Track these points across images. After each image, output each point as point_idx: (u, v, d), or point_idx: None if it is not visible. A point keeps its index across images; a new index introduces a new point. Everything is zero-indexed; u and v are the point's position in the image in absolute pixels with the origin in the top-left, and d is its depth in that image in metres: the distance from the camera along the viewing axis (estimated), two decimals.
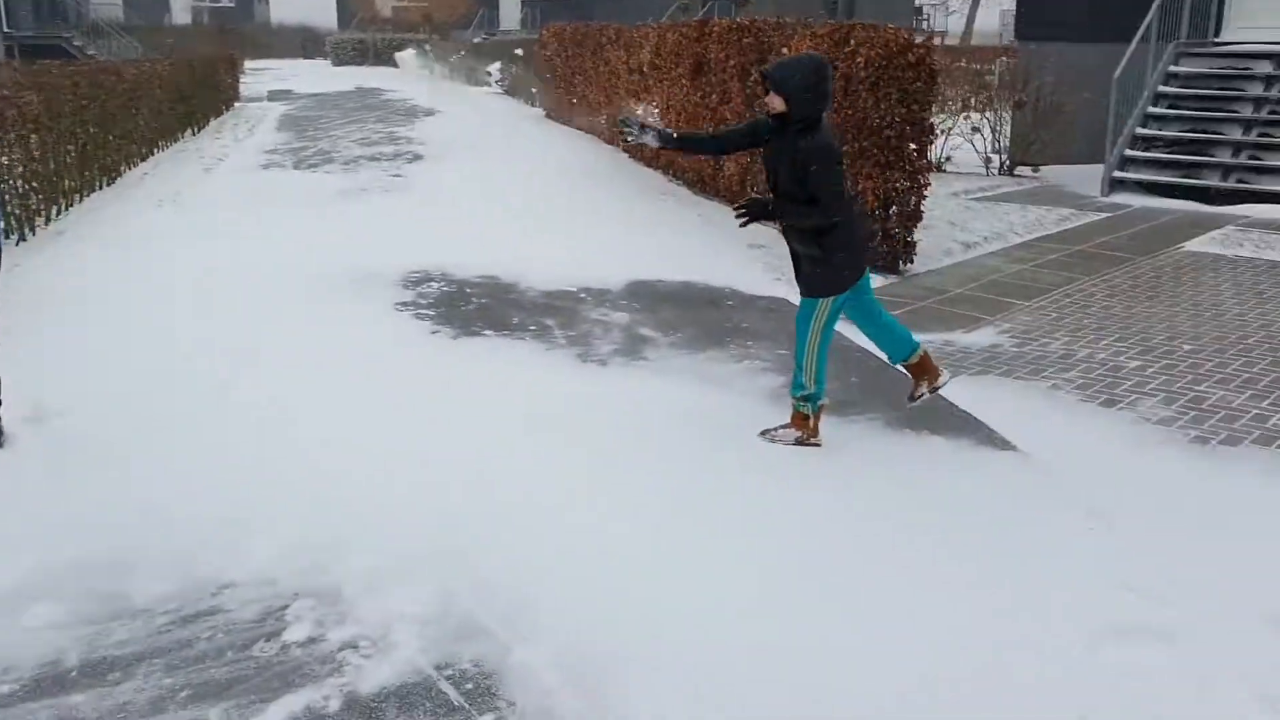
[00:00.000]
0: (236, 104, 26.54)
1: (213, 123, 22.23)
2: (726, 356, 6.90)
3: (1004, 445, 5.45)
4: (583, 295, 8.36)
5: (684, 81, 13.39)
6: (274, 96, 29.05)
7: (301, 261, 9.16)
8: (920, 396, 5.67)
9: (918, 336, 5.69)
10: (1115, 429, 5.69)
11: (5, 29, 27.42)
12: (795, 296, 5.42)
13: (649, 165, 15.19)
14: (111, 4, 52.65)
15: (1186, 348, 7.07)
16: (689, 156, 13.23)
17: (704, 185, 13.10)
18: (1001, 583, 4.01)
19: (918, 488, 4.88)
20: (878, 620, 3.73)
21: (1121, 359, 6.85)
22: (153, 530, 4.26)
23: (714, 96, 12.36)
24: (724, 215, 11.70)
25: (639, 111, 4.62)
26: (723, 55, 11.97)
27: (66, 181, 11.82)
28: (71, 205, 11.84)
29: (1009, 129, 15.56)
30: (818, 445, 5.41)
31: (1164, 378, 6.48)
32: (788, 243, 5.44)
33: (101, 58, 28.92)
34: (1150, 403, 6.06)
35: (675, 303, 8.22)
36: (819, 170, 4.98)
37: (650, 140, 5.44)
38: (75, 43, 30.17)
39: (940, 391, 5.71)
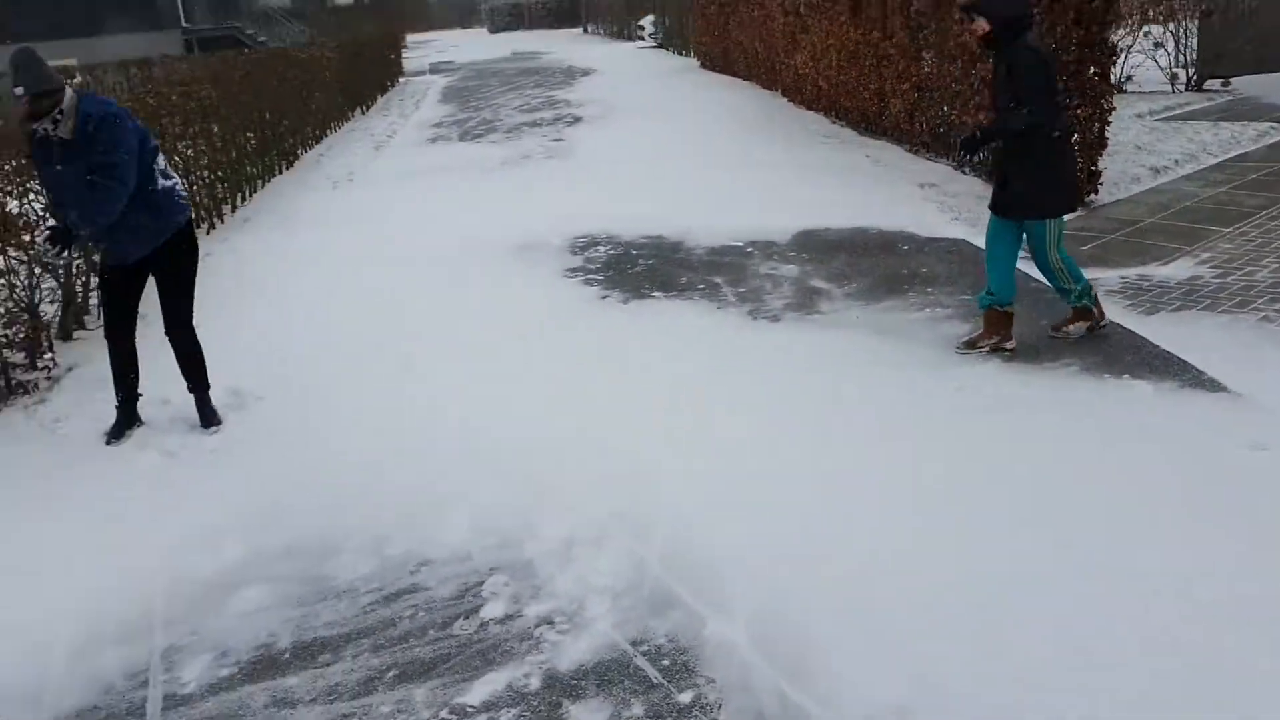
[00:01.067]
0: (401, 79, 27.20)
1: (380, 100, 22.85)
2: (906, 305, 6.66)
3: (1215, 387, 5.08)
4: (750, 249, 8.22)
5: (843, 20, 12.98)
6: (435, 69, 29.68)
7: (471, 232, 9.30)
8: (977, 347, 5.71)
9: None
10: None
11: (184, 24, 28.78)
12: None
13: (809, 108, 14.84)
14: None
15: None
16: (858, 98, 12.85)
17: (869, 125, 12.70)
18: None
19: (1133, 440, 4.58)
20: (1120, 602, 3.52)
21: None
22: (351, 512, 4.39)
23: (875, 33, 11.93)
24: (892, 154, 11.32)
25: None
26: None
27: (249, 168, 12.33)
28: (255, 191, 12.35)
29: (1195, 40, 14.48)
30: (1012, 350, 5.64)
31: None
32: (1004, 171, 5.51)
33: (272, 44, 30.09)
34: None
35: (847, 250, 7.98)
36: (1024, 72, 5.19)
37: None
38: (247, 32, 31.47)
39: (1134, 329, 5.44)
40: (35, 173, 5.80)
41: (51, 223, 4.93)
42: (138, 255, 5.27)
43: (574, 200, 10.37)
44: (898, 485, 4.29)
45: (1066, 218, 5.69)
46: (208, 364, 5.58)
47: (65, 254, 5.09)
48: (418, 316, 7.14)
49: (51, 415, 5.86)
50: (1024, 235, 5.65)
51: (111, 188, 4.97)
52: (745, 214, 9.12)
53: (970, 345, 5.77)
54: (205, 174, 10.78)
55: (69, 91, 5.03)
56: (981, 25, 5.34)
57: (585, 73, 23.84)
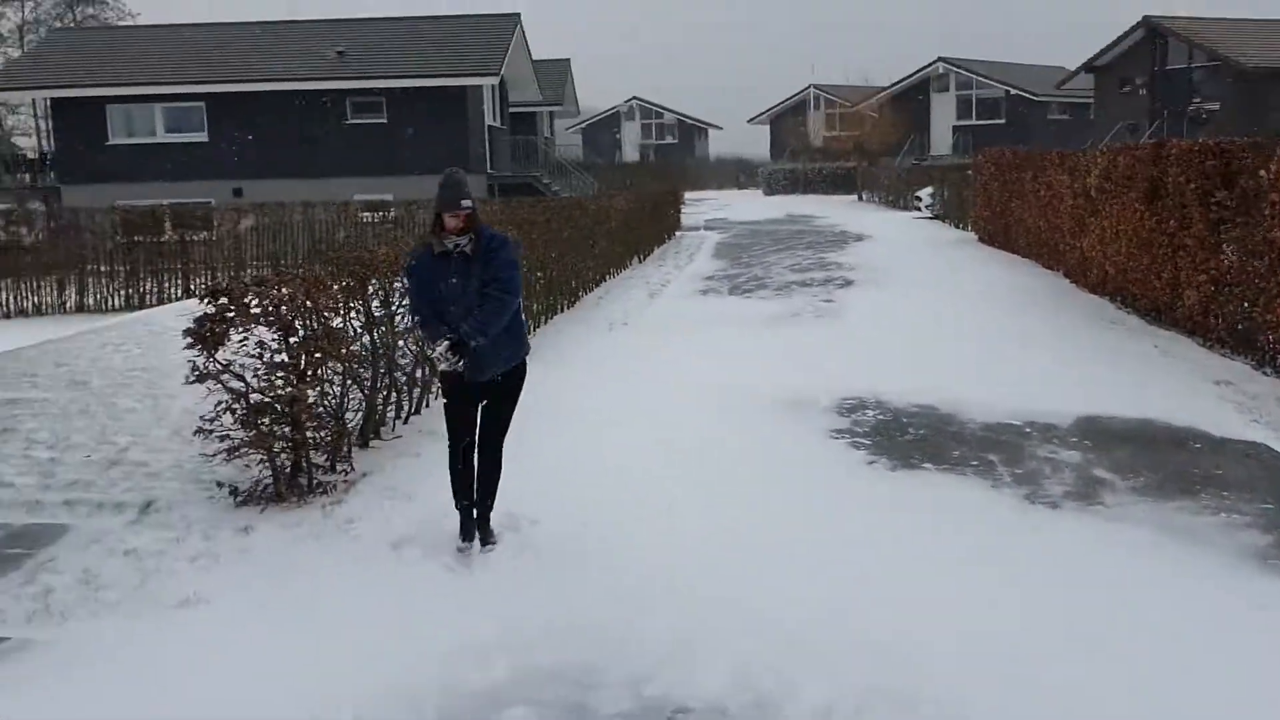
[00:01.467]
0: (678, 232, 28.37)
1: (656, 250, 23.87)
2: (1198, 507, 6.25)
3: None
4: (1027, 429, 7.96)
5: (1137, 206, 12.63)
6: (710, 225, 30.78)
7: (738, 385, 9.46)
8: None
9: None
10: None
11: (490, 170, 31.29)
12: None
13: (1094, 291, 14.39)
14: (573, 145, 58.74)
15: None
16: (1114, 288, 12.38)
17: (1159, 314, 12.16)
18: None
19: None
20: None
21: None
22: (613, 644, 4.48)
23: (1172, 222, 11.53)
24: (1183, 347, 10.78)
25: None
26: (1183, 179, 11.17)
27: (534, 305, 13.11)
28: (539, 326, 13.09)
29: None
30: None
31: None
32: None
33: (565, 194, 32.19)
34: None
35: (1133, 442, 7.60)
36: None
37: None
38: (543, 180, 33.80)
39: None
40: (406, 284, 6.39)
41: (449, 334, 5.59)
42: (493, 374, 5.69)
43: (842, 361, 10.40)
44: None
45: None
46: None
47: (462, 361, 5.61)
48: (685, 459, 7.28)
49: (346, 516, 6.31)
50: None
51: (505, 300, 5.52)
52: (1023, 393, 8.87)
53: None
54: None
55: None
56: None
57: (859, 238, 24.11)
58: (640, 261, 21.59)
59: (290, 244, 20.23)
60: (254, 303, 6.58)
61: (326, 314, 7.14)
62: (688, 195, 40.94)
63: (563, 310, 14.47)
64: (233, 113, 30.14)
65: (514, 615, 4.78)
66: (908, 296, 14.66)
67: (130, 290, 20.09)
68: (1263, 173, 9.47)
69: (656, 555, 5.49)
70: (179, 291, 19.66)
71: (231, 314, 6.48)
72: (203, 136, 30.60)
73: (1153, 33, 38.33)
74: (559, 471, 6.94)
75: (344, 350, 7.24)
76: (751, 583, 5.10)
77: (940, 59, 50.41)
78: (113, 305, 19.57)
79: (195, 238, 20.19)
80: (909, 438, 7.83)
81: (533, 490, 6.40)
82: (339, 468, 7.19)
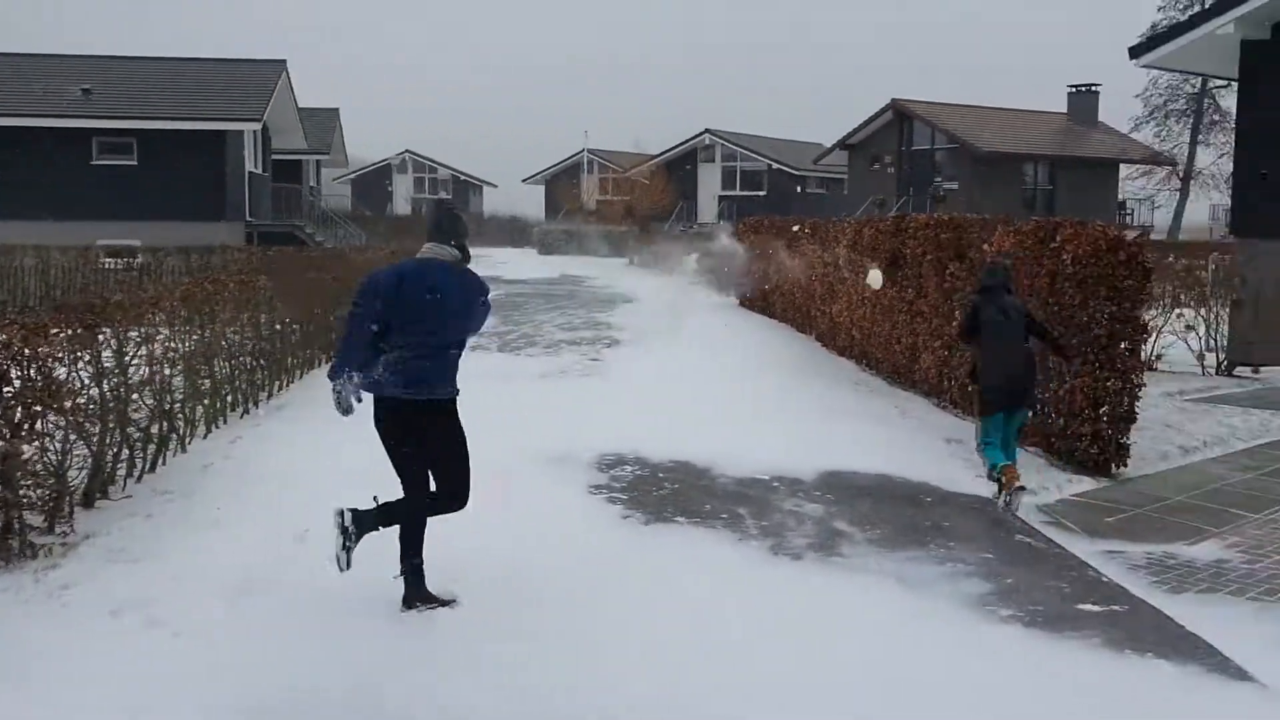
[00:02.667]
0: None
1: None
2: (927, 557, 6.60)
3: (1239, 675, 4.94)
4: (775, 484, 8.24)
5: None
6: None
7: (500, 441, 9.33)
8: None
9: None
10: None
11: (248, 217, 30.08)
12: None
13: (842, 354, 15.15)
14: (341, 196, 57.44)
15: None
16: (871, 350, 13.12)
17: (899, 376, 12.91)
18: None
19: None
20: None
21: None
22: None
23: (910, 290, 12.31)
24: (920, 407, 11.45)
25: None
26: (920, 250, 11.96)
27: (290, 359, 12.63)
28: (293, 381, 12.61)
29: (1226, 328, 14.81)
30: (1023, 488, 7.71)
31: None
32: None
33: (329, 244, 31.33)
34: None
35: (872, 496, 7.98)
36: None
37: None
38: (306, 230, 32.79)
39: (1159, 606, 5.40)
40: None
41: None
42: (416, 397, 5.47)
43: (605, 419, 10.47)
44: None
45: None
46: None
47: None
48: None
49: (60, 581, 5.81)
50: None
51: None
52: (772, 449, 9.17)
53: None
54: (248, 360, 11.05)
55: None
56: None
57: (628, 299, 24.55)
58: None
59: (21, 289, 18.75)
60: None
61: (49, 363, 6.64)
62: None
63: (320, 365, 14.01)
64: None
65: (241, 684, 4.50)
66: (670, 357, 14.95)
67: None
68: (986, 246, 10.25)
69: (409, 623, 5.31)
70: None
71: None
72: None
73: (900, 115, 41.19)
74: (293, 537, 6.63)
75: (67, 404, 6.73)
76: (494, 650, 5.00)
77: (707, 130, 52.46)
78: None
79: None
80: (664, 492, 7.95)
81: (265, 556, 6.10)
82: (58, 529, 6.63)
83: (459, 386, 5.67)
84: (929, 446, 9.60)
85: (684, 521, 7.22)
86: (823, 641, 5.20)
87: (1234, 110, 19.49)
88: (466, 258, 5.71)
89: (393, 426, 5.60)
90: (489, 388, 12.24)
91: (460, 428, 5.74)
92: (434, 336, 5.48)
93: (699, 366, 14.01)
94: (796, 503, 7.74)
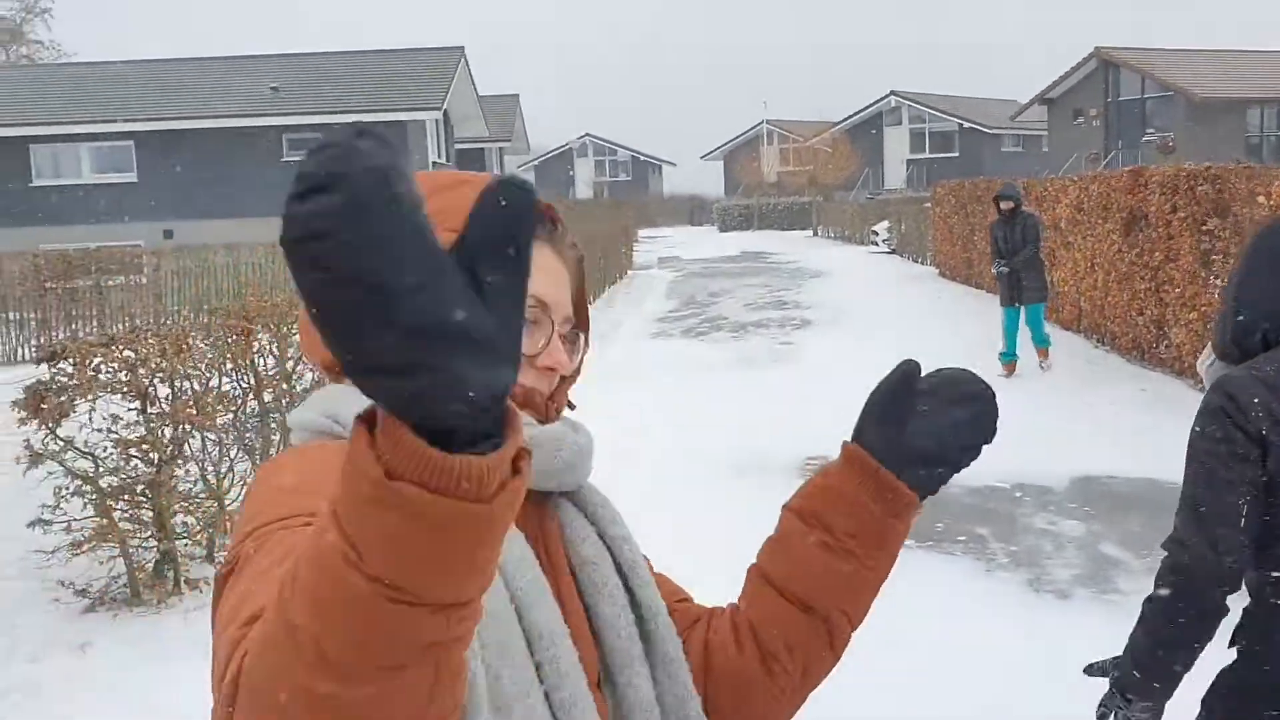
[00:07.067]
0: (630, 271, 27.42)
1: (607, 291, 22.87)
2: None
3: None
4: (1019, 494, 6.98)
5: (1114, 238, 11.81)
6: (664, 263, 29.89)
7: (687, 440, 8.46)
8: None
9: None
10: None
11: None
12: None
13: (1067, 328, 13.54)
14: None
15: None
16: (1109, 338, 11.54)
17: (1142, 353, 11.31)
18: None
19: None
20: None
21: None
22: None
23: (1157, 254, 10.70)
24: (1174, 389, 9.89)
25: None
26: (1168, 207, 10.35)
27: None
28: None
29: None
30: None
31: None
32: None
33: None
34: None
35: (1139, 508, 6.63)
36: None
37: None
38: None
39: None
40: None
41: None
42: None
43: (802, 413, 9.36)
44: None
45: None
46: None
47: None
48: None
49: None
50: None
51: None
52: (1006, 450, 7.84)
53: None
54: None
55: None
56: None
57: (816, 274, 23.28)
58: (592, 302, 20.54)
59: (215, 288, 18.95)
60: (100, 366, 5.48)
61: (199, 375, 6.06)
62: (641, 233, 40.12)
63: None
64: (163, 151, 28.86)
65: None
66: (867, 337, 13.73)
67: (43, 339, 18.71)
68: (1260, 199, 8.64)
69: None
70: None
71: (73, 381, 5.39)
72: (132, 177, 29.28)
73: (1105, 64, 38.17)
74: None
75: (218, 420, 6.14)
76: None
77: (892, 92, 50.16)
78: (21, 357, 18.21)
79: (112, 283, 18.87)
80: None
81: None
82: (218, 557, 6.06)
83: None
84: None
85: (914, 545, 6.08)
86: None
87: None
88: None
89: None
90: (672, 381, 11.37)
91: None
92: None
93: (902, 348, 12.65)
94: (1049, 519, 6.48)
